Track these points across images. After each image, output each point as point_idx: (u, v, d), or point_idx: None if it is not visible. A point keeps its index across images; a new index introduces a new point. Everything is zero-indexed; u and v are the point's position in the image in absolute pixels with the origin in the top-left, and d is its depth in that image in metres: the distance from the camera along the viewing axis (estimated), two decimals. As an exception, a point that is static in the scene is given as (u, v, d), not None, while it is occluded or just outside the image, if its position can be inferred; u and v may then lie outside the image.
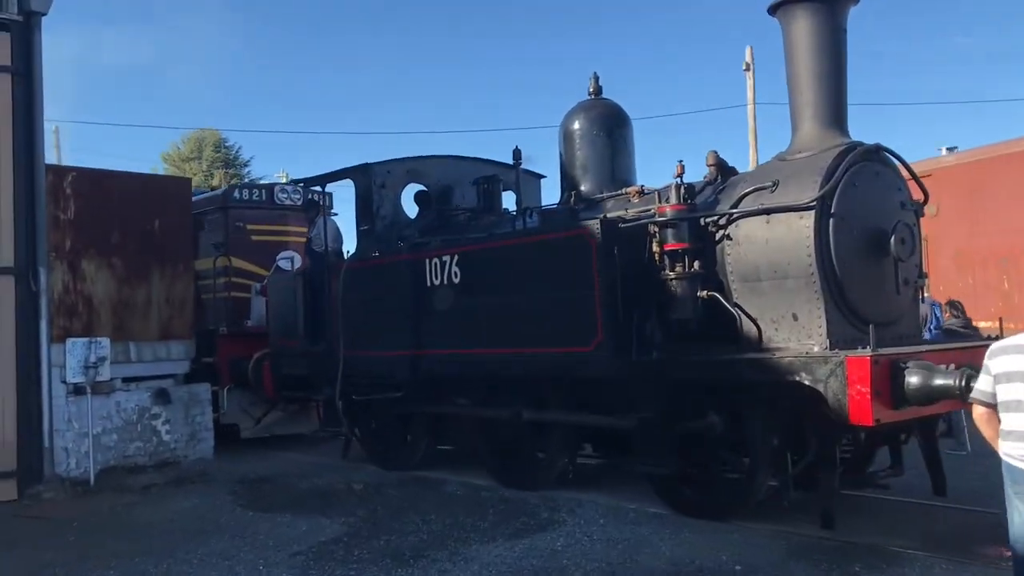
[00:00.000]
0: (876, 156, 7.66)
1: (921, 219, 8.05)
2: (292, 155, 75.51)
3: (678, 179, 7.93)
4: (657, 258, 7.79)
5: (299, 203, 13.03)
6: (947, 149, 14.94)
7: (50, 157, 26.50)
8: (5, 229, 9.77)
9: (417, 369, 9.53)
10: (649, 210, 8.08)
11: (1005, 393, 4.38)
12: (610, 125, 9.24)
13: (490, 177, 10.21)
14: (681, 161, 7.91)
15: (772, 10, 7.78)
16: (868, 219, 7.37)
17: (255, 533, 7.57)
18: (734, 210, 7.58)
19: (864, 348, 6.59)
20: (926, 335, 10.67)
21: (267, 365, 11.67)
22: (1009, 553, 4.63)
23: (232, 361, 12.47)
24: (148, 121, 74.61)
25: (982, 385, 4.54)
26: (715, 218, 7.70)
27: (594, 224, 8.02)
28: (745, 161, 29.30)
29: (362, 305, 10.12)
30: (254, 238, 13.07)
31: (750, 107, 29.61)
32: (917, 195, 8.06)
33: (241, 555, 6.93)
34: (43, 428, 9.95)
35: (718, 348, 7.58)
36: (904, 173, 7.91)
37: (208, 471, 11.00)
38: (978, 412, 4.58)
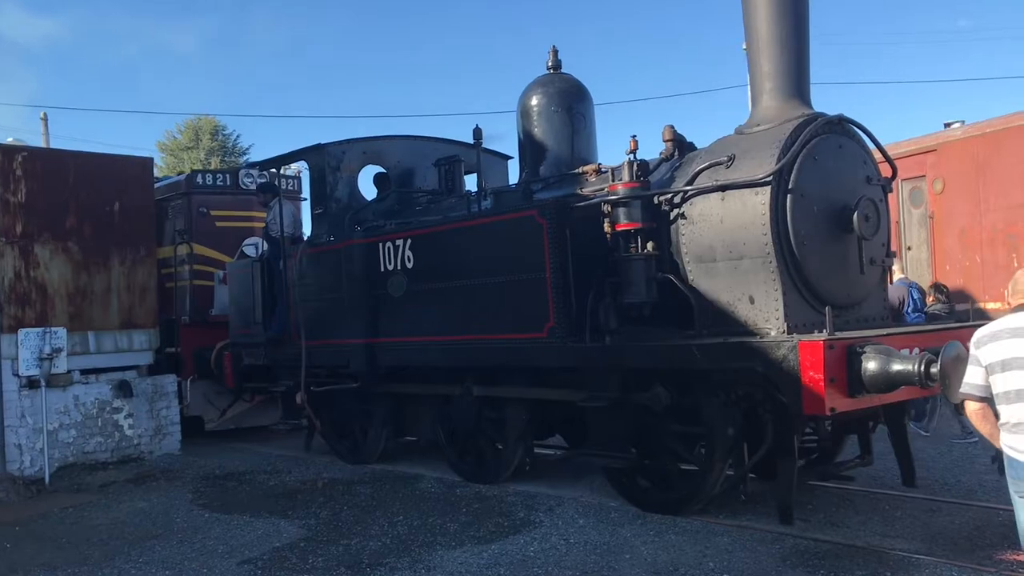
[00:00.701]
0: (840, 128, 7.30)
1: (890, 195, 7.69)
2: (294, 140, 74.82)
3: (631, 155, 7.57)
4: (609, 239, 7.44)
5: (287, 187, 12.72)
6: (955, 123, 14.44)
7: (37, 143, 26.63)
8: (-51, 212, 9.03)
9: (372, 358, 9.22)
10: (603, 189, 7.75)
11: (1003, 383, 4.04)
12: (569, 101, 8.87)
13: (451, 158, 9.87)
14: (634, 136, 7.53)
15: (731, -25, 7.43)
16: (829, 195, 7.01)
17: (205, 538, 7.25)
18: (688, 187, 7.23)
19: (821, 332, 6.26)
20: (908, 319, 10.33)
21: (228, 356, 11.38)
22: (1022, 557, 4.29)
23: (196, 351, 12.20)
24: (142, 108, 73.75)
25: (972, 378, 4.20)
26: (668, 196, 7.35)
27: (544, 205, 7.69)
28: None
29: (317, 292, 9.82)
30: (219, 224, 12.75)
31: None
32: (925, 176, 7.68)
33: (185, 564, 6.59)
34: None
35: (672, 333, 7.26)
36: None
37: (173, 467, 10.68)
38: (972, 408, 4.24)
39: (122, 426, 11.19)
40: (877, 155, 7.73)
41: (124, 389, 11.18)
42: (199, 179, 12.93)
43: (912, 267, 13.24)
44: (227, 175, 13.12)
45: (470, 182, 10.13)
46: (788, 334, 6.59)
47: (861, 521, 6.91)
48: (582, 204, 7.68)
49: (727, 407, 6.82)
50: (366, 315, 9.24)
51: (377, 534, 6.95)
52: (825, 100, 56.87)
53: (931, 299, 10.57)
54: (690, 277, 7.30)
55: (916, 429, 10.59)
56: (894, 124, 68.85)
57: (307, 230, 10.85)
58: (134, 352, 11.48)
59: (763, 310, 6.88)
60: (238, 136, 40.99)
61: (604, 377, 7.38)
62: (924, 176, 12.94)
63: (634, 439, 7.36)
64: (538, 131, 8.90)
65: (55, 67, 68.11)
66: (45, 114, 25.58)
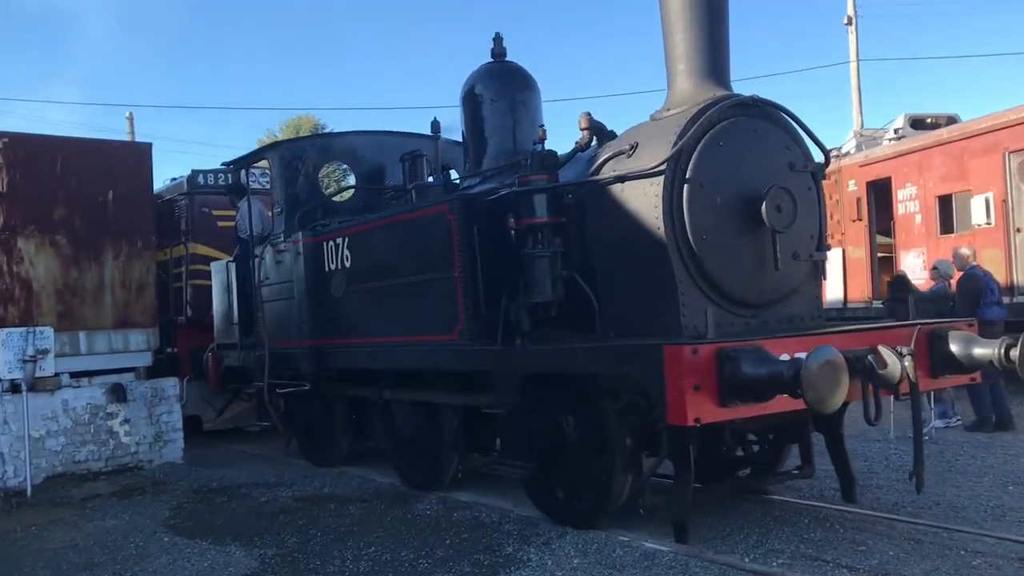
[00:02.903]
0: (757, 111, 6.87)
1: (824, 182, 7.20)
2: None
3: (538, 146, 7.35)
4: (513, 235, 7.25)
5: (267, 186, 12.96)
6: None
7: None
8: (-76, 204, 8.86)
9: (318, 360, 9.31)
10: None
11: None
12: (511, 90, 8.67)
13: (412, 152, 9.83)
14: (542, 125, 7.32)
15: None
16: (737, 184, 6.62)
17: (143, 571, 6.76)
18: (585, 179, 6.98)
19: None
20: (984, 314, 9.77)
21: (212, 357, 11.70)
22: None
23: (193, 351, 12.59)
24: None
25: None
26: (572, 189, 7.10)
27: (452, 200, 7.56)
28: (849, 122, 27.75)
29: (277, 292, 9.97)
30: (220, 224, 13.10)
31: (853, 64, 28.04)
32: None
33: None
34: None
35: (574, 334, 7.02)
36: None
37: (168, 478, 10.21)
38: None
39: (117, 433, 10.66)
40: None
41: (118, 393, 10.65)
42: (200, 179, 13.32)
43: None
44: (229, 174, 13.47)
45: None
46: (684, 337, 6.27)
47: (783, 538, 6.44)
48: (489, 199, 7.51)
49: (624, 416, 6.54)
50: (313, 316, 9.32)
51: (334, 571, 6.37)
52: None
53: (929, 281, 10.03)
54: (597, 274, 7.05)
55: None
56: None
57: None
58: (130, 353, 10.96)
59: (663, 310, 6.56)
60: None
61: (505, 382, 7.20)
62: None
63: (543, 448, 7.15)
64: (479, 122, 8.74)
65: (146, 67, 71.07)
66: (131, 114, 26.90)
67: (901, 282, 11.13)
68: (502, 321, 7.27)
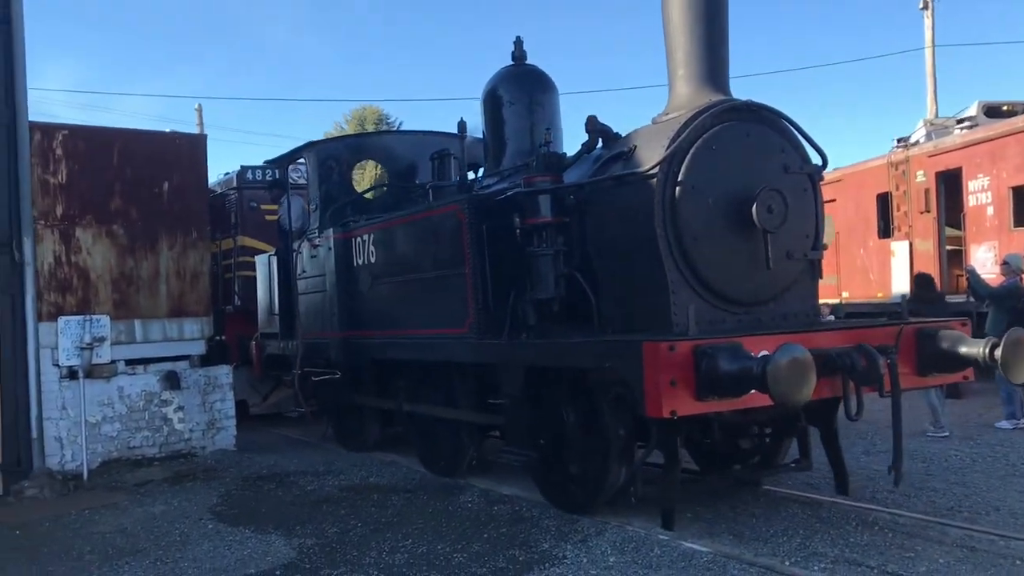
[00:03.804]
0: (753, 115, 7.16)
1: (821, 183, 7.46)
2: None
3: (544, 148, 7.75)
4: (519, 234, 7.66)
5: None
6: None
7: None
8: (-16, 195, 9.10)
9: (347, 351, 9.86)
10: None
11: None
12: (530, 92, 9.05)
13: (441, 151, 10.30)
14: (548, 128, 7.72)
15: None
16: (730, 186, 6.91)
17: (183, 558, 6.88)
18: (585, 181, 7.36)
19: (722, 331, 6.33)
20: None
21: (256, 345, 12.36)
22: None
23: (240, 339, 13.28)
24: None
25: None
26: (574, 190, 7.49)
27: (462, 200, 8.01)
28: (923, 110, 27.41)
29: (311, 285, 10.55)
30: (267, 218, 13.76)
31: (928, 50, 27.69)
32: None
33: None
34: (31, 416, 9.54)
35: (574, 330, 7.41)
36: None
37: (219, 465, 10.49)
38: None
39: (171, 420, 10.99)
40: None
41: (172, 380, 10.98)
42: (249, 174, 14.04)
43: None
44: (276, 170, 14.12)
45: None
46: (685, 333, 6.57)
47: (828, 541, 6.37)
48: (498, 199, 7.93)
49: (616, 408, 6.91)
50: (342, 308, 9.88)
51: (370, 563, 6.41)
52: None
53: None
54: (597, 273, 7.42)
55: (936, 435, 10.14)
56: None
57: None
58: (184, 341, 11.32)
59: (657, 307, 6.89)
60: (400, 123, 42.97)
61: (510, 374, 7.63)
62: None
63: (545, 437, 7.55)
64: (499, 123, 9.15)
65: (217, 59, 72.53)
66: (200, 105, 27.89)
67: (926, 282, 11.18)
68: (509, 316, 7.70)
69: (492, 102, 9.14)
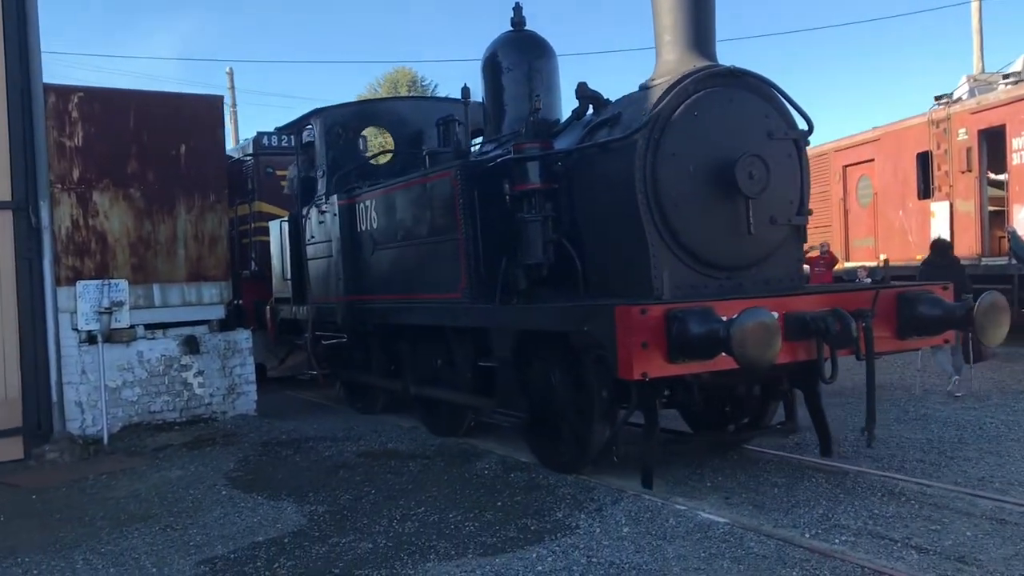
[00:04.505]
0: (737, 81, 7.40)
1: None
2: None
3: (533, 115, 8.07)
4: (509, 200, 8.01)
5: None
6: None
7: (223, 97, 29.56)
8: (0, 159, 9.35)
9: (353, 315, 10.31)
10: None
11: None
12: (528, 59, 9.33)
13: (446, 118, 10.63)
14: (538, 96, 8.03)
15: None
16: (712, 152, 7.17)
17: (193, 524, 6.98)
18: (571, 148, 7.67)
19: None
20: None
21: (270, 309, 12.88)
22: None
23: (256, 304, 13.81)
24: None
25: None
26: (561, 157, 7.81)
27: (454, 166, 8.36)
28: (968, 66, 27.08)
29: (319, 251, 11.01)
30: (283, 183, 14.20)
31: (975, 3, 27.31)
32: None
33: (143, 559, 6.24)
34: (51, 381, 9.70)
35: (561, 294, 7.76)
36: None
37: (239, 430, 10.65)
38: None
39: (191, 384, 11.19)
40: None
41: (192, 345, 11.15)
42: (265, 140, 14.51)
43: None
44: (292, 136, 14.57)
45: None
46: (660, 297, 6.91)
47: (852, 513, 6.28)
48: (491, 165, 8.27)
49: (599, 370, 7.25)
50: (347, 273, 10.31)
51: (379, 531, 6.46)
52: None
53: None
54: (584, 238, 7.76)
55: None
56: None
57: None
58: (203, 306, 11.51)
59: (639, 273, 7.20)
60: (436, 85, 43.30)
61: (501, 338, 8.02)
62: None
63: (533, 399, 7.93)
64: (498, 90, 9.46)
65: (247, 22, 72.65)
66: (231, 69, 28.45)
67: (942, 247, 11.31)
68: (501, 281, 8.07)
69: (491, 68, 9.44)
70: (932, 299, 7.10)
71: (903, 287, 7.32)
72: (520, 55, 9.35)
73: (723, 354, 6.18)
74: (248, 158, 14.77)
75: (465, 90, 10.15)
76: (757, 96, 7.45)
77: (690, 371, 6.47)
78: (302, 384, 14.00)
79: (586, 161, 7.60)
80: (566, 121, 8.22)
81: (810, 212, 7.74)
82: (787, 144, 7.50)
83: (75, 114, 10.81)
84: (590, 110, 8.09)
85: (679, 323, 6.26)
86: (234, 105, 28.66)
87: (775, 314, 6.29)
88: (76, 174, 10.80)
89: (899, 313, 7.12)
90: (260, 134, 14.70)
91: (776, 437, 8.21)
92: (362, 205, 9.99)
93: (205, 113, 11.85)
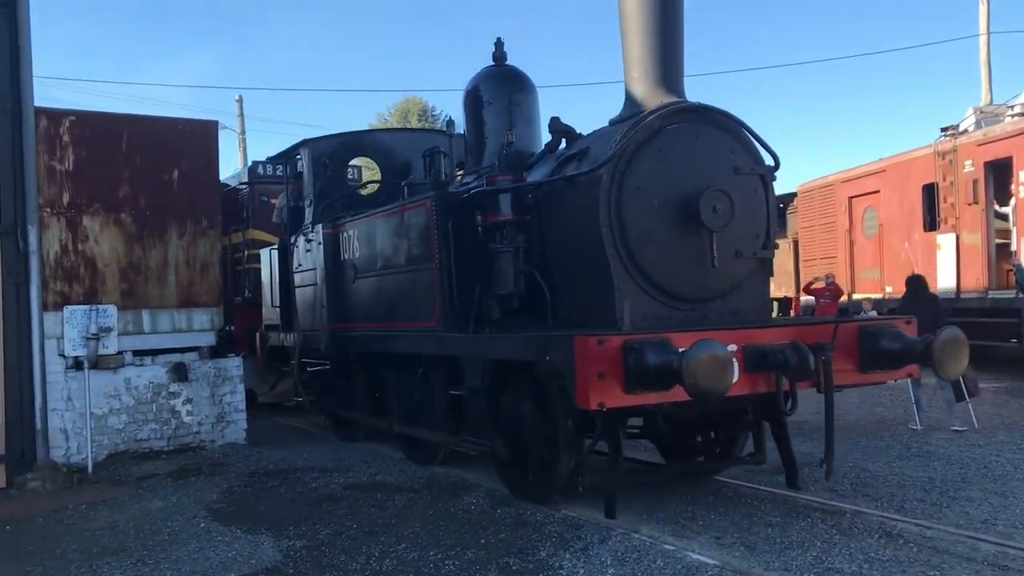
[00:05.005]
0: (701, 117, 7.67)
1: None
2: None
3: (506, 149, 8.37)
4: (481, 232, 8.30)
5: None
6: None
7: (232, 125, 30.17)
8: (-11, 182, 9.29)
9: (334, 343, 10.60)
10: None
11: None
12: (508, 93, 9.63)
13: (432, 149, 10.92)
14: (511, 130, 8.34)
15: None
16: (676, 187, 7.42)
17: (166, 559, 6.98)
18: (540, 181, 7.97)
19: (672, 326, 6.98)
20: None
21: (260, 336, 13.20)
22: None
23: (248, 329, 14.13)
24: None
25: None
26: (531, 189, 8.09)
27: (430, 197, 8.66)
28: (976, 98, 27.29)
29: (306, 279, 11.32)
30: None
31: (983, 37, 27.66)
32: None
33: None
34: (35, 407, 9.71)
35: (532, 324, 8.01)
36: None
37: (227, 459, 10.66)
38: None
39: (179, 412, 11.20)
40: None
41: (180, 372, 11.18)
42: (260, 169, 14.91)
43: None
44: (286, 165, 14.96)
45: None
46: (623, 328, 7.15)
47: (847, 555, 6.24)
48: (464, 197, 8.57)
49: (564, 400, 7.45)
50: (331, 301, 10.62)
51: (355, 569, 6.45)
52: None
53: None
54: (553, 270, 8.03)
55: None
56: None
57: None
58: (194, 332, 11.53)
59: (604, 303, 7.45)
60: (447, 116, 43.81)
61: (472, 366, 8.28)
62: None
63: (502, 428, 8.17)
64: (479, 123, 9.76)
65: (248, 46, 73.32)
66: (240, 96, 28.98)
67: (916, 283, 11.48)
68: (474, 311, 8.34)
69: (472, 102, 9.76)
70: (893, 333, 7.31)
71: (865, 321, 7.52)
72: (500, 89, 9.65)
73: (679, 385, 6.41)
74: (244, 186, 15.16)
75: (450, 123, 10.51)
76: (723, 132, 7.72)
77: (647, 402, 6.66)
78: (291, 411, 14.25)
79: (555, 194, 7.88)
80: (539, 154, 8.52)
81: (776, 246, 7.98)
82: (753, 179, 7.75)
83: (66, 138, 10.93)
84: (563, 143, 8.38)
85: (636, 354, 6.47)
86: (243, 132, 29.22)
87: (730, 346, 6.54)
88: (66, 198, 10.91)
89: (861, 347, 7.33)
90: (255, 163, 15.11)
91: (746, 467, 8.37)
92: (345, 234, 10.32)
93: (199, 138, 11.91)
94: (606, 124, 8.05)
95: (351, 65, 74.80)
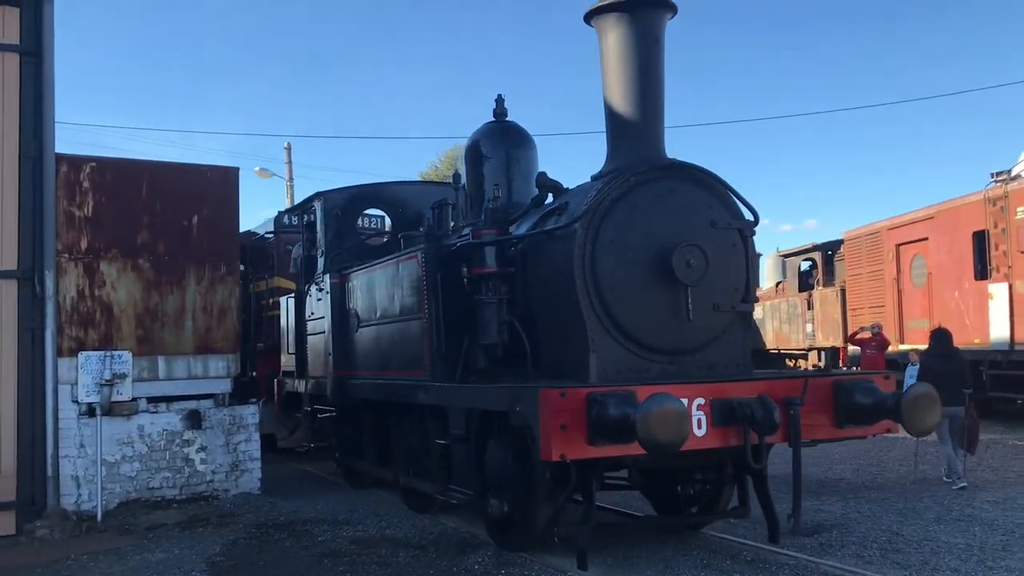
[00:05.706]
0: (677, 174, 7.96)
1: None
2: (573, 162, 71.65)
3: (489, 203, 8.76)
4: (467, 283, 8.67)
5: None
6: None
7: (280, 171, 30.77)
8: (7, 227, 9.73)
9: (339, 390, 11.03)
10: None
11: None
12: (506, 148, 10.01)
13: (440, 201, 11.36)
14: (497, 185, 8.73)
15: (587, 18, 8.32)
16: (651, 241, 7.68)
17: None
18: (522, 235, 8.33)
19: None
20: None
21: (278, 382, 13.72)
22: None
23: (269, 375, 14.66)
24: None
25: None
26: (513, 243, 8.46)
27: (421, 249, 9.07)
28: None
29: (317, 327, 11.80)
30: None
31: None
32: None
33: None
34: (47, 454, 9.87)
35: (513, 375, 8.33)
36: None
37: (238, 510, 10.73)
38: None
39: (193, 460, 11.26)
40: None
41: (194, 419, 11.28)
42: (285, 219, 15.55)
43: None
44: (302, 216, 15.51)
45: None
46: (602, 380, 7.41)
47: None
48: (453, 249, 8.96)
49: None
50: (336, 349, 11.06)
51: None
52: None
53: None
54: (534, 320, 8.35)
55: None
56: None
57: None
58: (210, 379, 11.62)
59: (574, 355, 7.73)
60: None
61: (456, 415, 8.60)
62: None
63: (485, 477, 8.44)
64: (478, 177, 10.14)
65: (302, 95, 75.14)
66: (289, 143, 29.87)
67: (942, 337, 11.43)
68: (462, 361, 8.68)
69: (473, 156, 10.18)
70: (867, 387, 7.47)
71: (840, 375, 7.69)
72: (499, 144, 10.04)
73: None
74: (270, 235, 15.80)
75: (456, 175, 10.91)
76: (699, 187, 7.99)
77: (608, 454, 6.90)
78: (307, 456, 14.67)
79: (536, 247, 8.23)
80: (526, 208, 8.86)
81: (756, 299, 8.19)
82: (731, 233, 8.00)
83: (86, 184, 11.14)
84: (550, 197, 8.73)
85: (599, 406, 6.71)
86: (291, 179, 29.93)
87: (696, 400, 6.78)
88: (84, 244, 11.07)
89: (836, 401, 7.50)
90: (281, 212, 15.75)
91: (730, 520, 8.53)
92: (350, 284, 10.78)
93: (219, 184, 12.05)
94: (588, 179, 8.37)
95: (405, 113, 76.12)
